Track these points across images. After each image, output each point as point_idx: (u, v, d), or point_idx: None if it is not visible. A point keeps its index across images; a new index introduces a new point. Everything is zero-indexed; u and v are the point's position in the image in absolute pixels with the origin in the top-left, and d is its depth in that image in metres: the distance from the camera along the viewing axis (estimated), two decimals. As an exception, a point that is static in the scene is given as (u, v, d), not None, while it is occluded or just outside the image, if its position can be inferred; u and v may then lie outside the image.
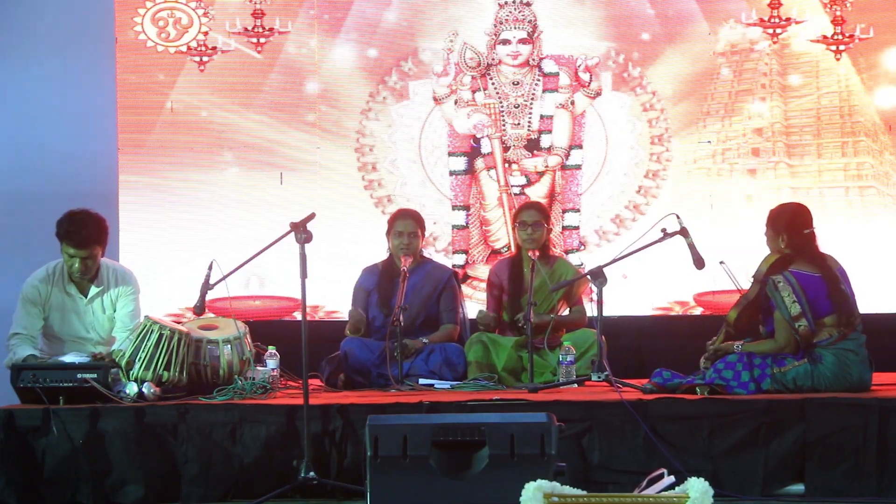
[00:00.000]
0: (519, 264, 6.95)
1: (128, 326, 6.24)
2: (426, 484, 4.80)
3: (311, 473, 5.22)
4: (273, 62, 8.05)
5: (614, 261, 6.42)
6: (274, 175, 8.02)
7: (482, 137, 8.03)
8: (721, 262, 6.27)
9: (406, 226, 6.86)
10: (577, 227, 8.00)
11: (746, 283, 6.17)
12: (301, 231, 5.43)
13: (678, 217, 6.29)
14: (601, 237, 8.00)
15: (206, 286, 5.89)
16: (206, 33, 8.04)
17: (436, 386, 6.38)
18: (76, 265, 6.17)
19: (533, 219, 6.87)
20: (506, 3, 8.03)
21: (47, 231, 6.26)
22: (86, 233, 6.15)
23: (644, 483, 4.70)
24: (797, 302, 5.87)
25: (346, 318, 6.87)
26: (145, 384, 5.75)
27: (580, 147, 8.03)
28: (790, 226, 6.10)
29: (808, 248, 6.07)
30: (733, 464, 5.37)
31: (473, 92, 8.04)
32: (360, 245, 7.72)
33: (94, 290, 6.27)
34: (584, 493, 4.45)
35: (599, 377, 6.11)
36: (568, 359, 6.32)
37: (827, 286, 5.94)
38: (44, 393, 5.62)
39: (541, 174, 8.01)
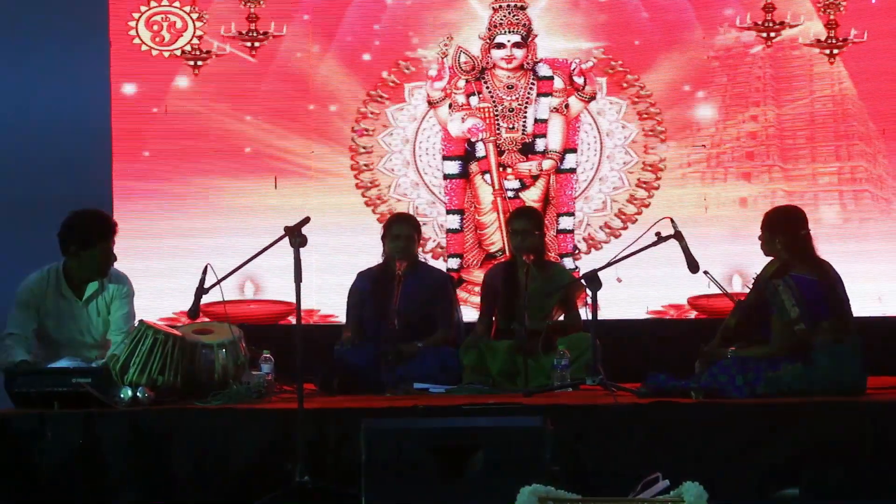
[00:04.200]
0: (514, 268, 6.95)
1: (122, 329, 6.23)
2: (421, 488, 4.80)
3: (306, 478, 5.22)
4: (267, 66, 8.05)
5: (609, 264, 6.42)
6: (268, 179, 8.03)
7: (477, 141, 8.04)
8: (706, 272, 6.32)
9: (402, 230, 6.86)
10: (571, 231, 8.00)
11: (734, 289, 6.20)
12: (295, 235, 5.43)
13: (672, 221, 6.29)
14: (596, 241, 8.00)
15: (201, 290, 5.88)
16: (200, 37, 8.04)
17: (430, 390, 6.37)
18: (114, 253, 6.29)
19: (522, 227, 6.88)
20: (500, 7, 8.03)
21: (41, 237, 6.25)
22: (112, 219, 6.28)
23: (639, 487, 4.71)
24: (796, 305, 5.87)
25: (342, 322, 6.89)
26: (140, 389, 5.74)
27: (574, 151, 8.03)
28: (786, 228, 6.12)
29: (805, 250, 6.08)
30: (728, 468, 5.37)
31: (468, 96, 8.04)
32: (354, 249, 7.71)
33: (89, 292, 6.26)
34: (579, 496, 4.46)
35: (594, 381, 6.10)
36: (562, 363, 6.32)
37: (825, 290, 5.95)
38: (38, 397, 5.61)
39: (535, 178, 8.02)
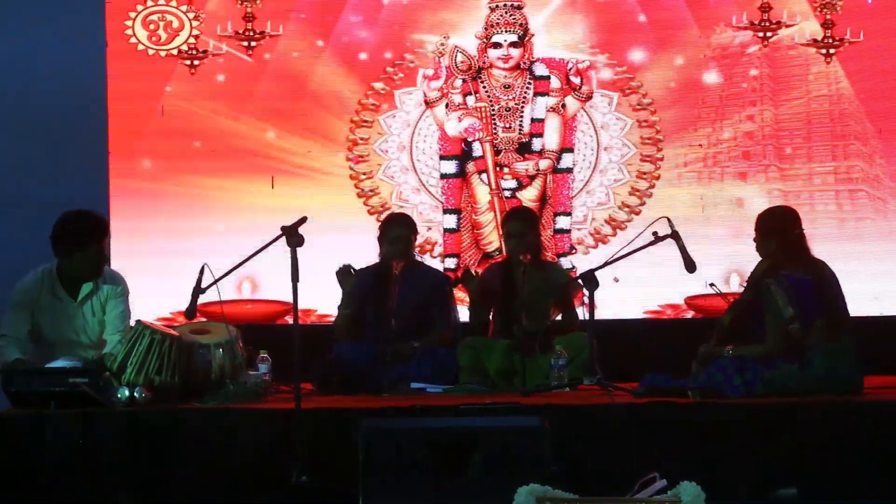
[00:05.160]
0: (510, 269, 6.95)
1: (118, 328, 6.23)
2: (419, 488, 4.80)
3: (304, 478, 5.22)
4: (264, 65, 8.04)
5: (606, 264, 6.43)
6: (265, 179, 8.02)
7: (473, 141, 8.04)
8: (711, 285, 6.34)
9: (399, 232, 6.86)
10: (568, 231, 8.00)
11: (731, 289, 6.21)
12: (292, 235, 5.43)
13: (669, 220, 6.30)
14: (593, 240, 8.00)
15: (198, 290, 5.88)
16: (197, 37, 8.03)
17: (428, 390, 6.37)
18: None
19: (517, 230, 6.88)
20: (497, 6, 8.03)
21: (37, 236, 6.25)
22: (104, 220, 6.34)
23: (636, 487, 4.72)
24: (790, 305, 5.89)
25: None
26: (137, 389, 5.73)
27: (571, 150, 8.03)
28: (780, 228, 6.14)
29: (799, 250, 6.09)
30: (725, 467, 5.38)
31: (464, 95, 8.04)
32: (351, 249, 7.70)
33: (83, 292, 6.26)
34: (577, 496, 4.46)
35: (591, 381, 6.11)
36: (560, 362, 6.33)
37: (818, 289, 5.96)
38: (35, 397, 5.61)
39: (532, 177, 8.01)
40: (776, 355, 5.89)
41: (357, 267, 6.96)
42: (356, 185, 8.02)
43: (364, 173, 8.03)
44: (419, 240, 7.84)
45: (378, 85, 8.02)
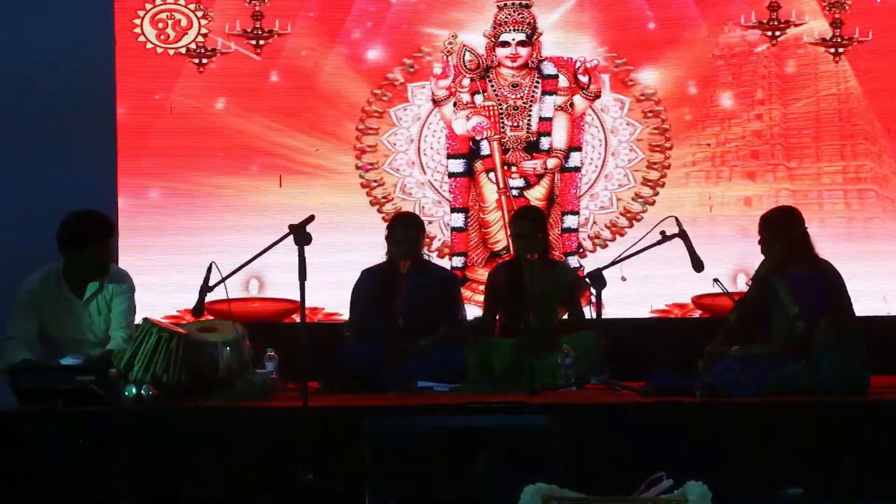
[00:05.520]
0: (518, 268, 6.95)
1: (122, 325, 6.23)
2: (425, 487, 4.80)
3: (310, 476, 5.22)
4: (272, 64, 8.05)
5: (613, 263, 6.42)
6: (273, 178, 8.03)
7: (481, 139, 8.04)
8: (715, 280, 6.34)
9: (406, 232, 6.85)
10: (576, 230, 8.00)
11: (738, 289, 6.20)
12: (300, 233, 5.43)
13: (677, 220, 6.30)
14: (600, 239, 8.00)
15: (205, 288, 5.88)
16: (205, 35, 8.04)
17: (434, 389, 6.37)
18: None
19: (526, 230, 6.88)
20: (505, 5, 8.03)
21: (45, 235, 6.26)
22: (109, 219, 6.32)
23: (643, 486, 4.71)
24: (795, 302, 5.89)
25: (346, 320, 6.91)
26: (144, 387, 5.74)
27: (579, 149, 8.03)
28: (784, 227, 6.14)
29: (804, 249, 6.09)
30: (731, 467, 5.37)
31: (472, 94, 8.04)
32: (359, 247, 7.72)
33: (89, 292, 6.26)
34: (583, 495, 4.46)
35: (598, 380, 6.11)
36: (566, 361, 6.32)
37: (823, 288, 5.96)
38: (42, 395, 5.62)
39: (540, 176, 8.01)
40: (783, 354, 5.89)
41: (368, 266, 6.98)
42: (368, 194, 8.02)
43: (375, 180, 8.04)
44: (436, 243, 7.88)
45: (384, 97, 8.02)
